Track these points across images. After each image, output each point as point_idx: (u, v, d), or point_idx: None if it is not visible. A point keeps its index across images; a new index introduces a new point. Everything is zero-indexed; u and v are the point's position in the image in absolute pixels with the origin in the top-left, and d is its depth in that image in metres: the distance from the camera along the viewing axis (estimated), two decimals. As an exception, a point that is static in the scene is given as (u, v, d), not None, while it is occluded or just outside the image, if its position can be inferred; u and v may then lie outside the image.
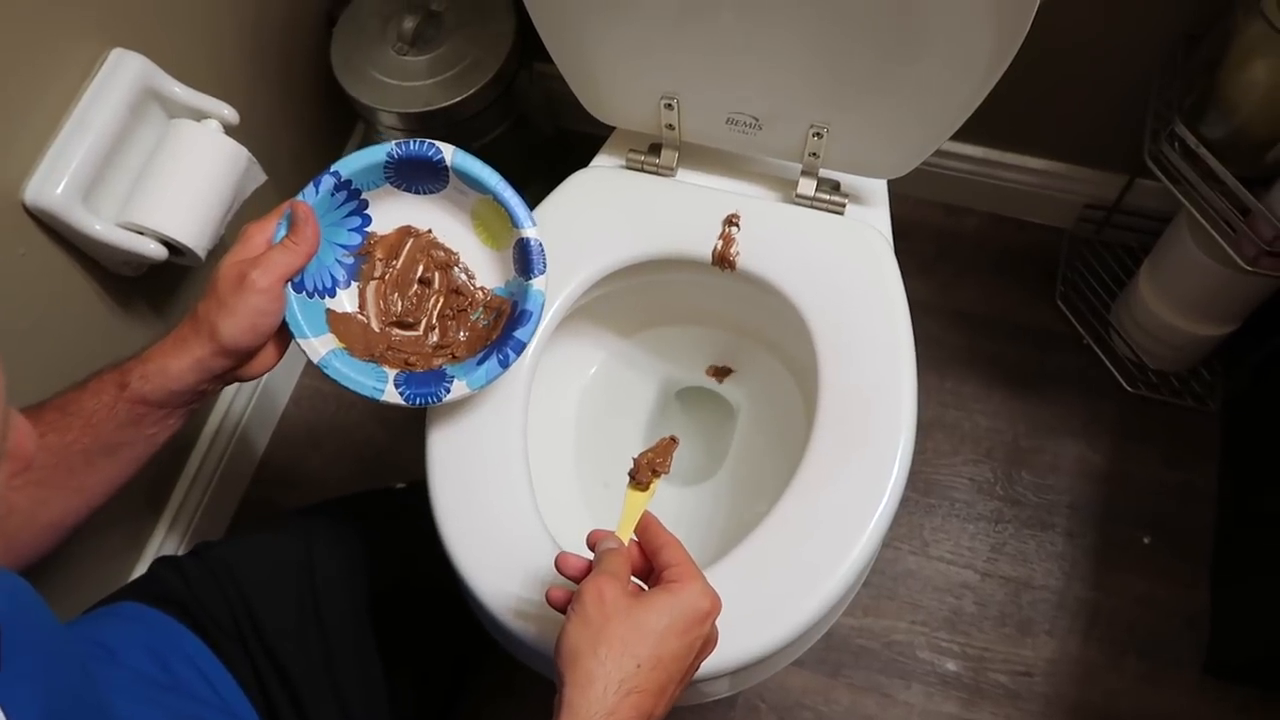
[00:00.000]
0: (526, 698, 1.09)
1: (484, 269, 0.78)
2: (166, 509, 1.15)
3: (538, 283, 0.74)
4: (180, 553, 1.09)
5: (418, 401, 0.72)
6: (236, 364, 0.67)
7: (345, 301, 0.75)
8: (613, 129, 0.94)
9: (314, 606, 0.79)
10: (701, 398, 1.07)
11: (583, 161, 0.93)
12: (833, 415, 0.77)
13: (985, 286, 1.31)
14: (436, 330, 0.77)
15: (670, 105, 0.85)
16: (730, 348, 1.02)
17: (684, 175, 0.91)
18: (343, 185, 0.73)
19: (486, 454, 0.78)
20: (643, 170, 0.90)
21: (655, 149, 0.90)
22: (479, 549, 0.74)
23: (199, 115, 0.93)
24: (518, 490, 0.76)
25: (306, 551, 0.82)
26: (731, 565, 0.71)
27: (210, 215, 0.92)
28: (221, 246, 0.93)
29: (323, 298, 0.73)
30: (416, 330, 0.77)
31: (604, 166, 0.92)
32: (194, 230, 0.90)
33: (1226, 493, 1.15)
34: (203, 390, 0.67)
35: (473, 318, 0.77)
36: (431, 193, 0.76)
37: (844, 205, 0.86)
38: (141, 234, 0.88)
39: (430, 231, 0.77)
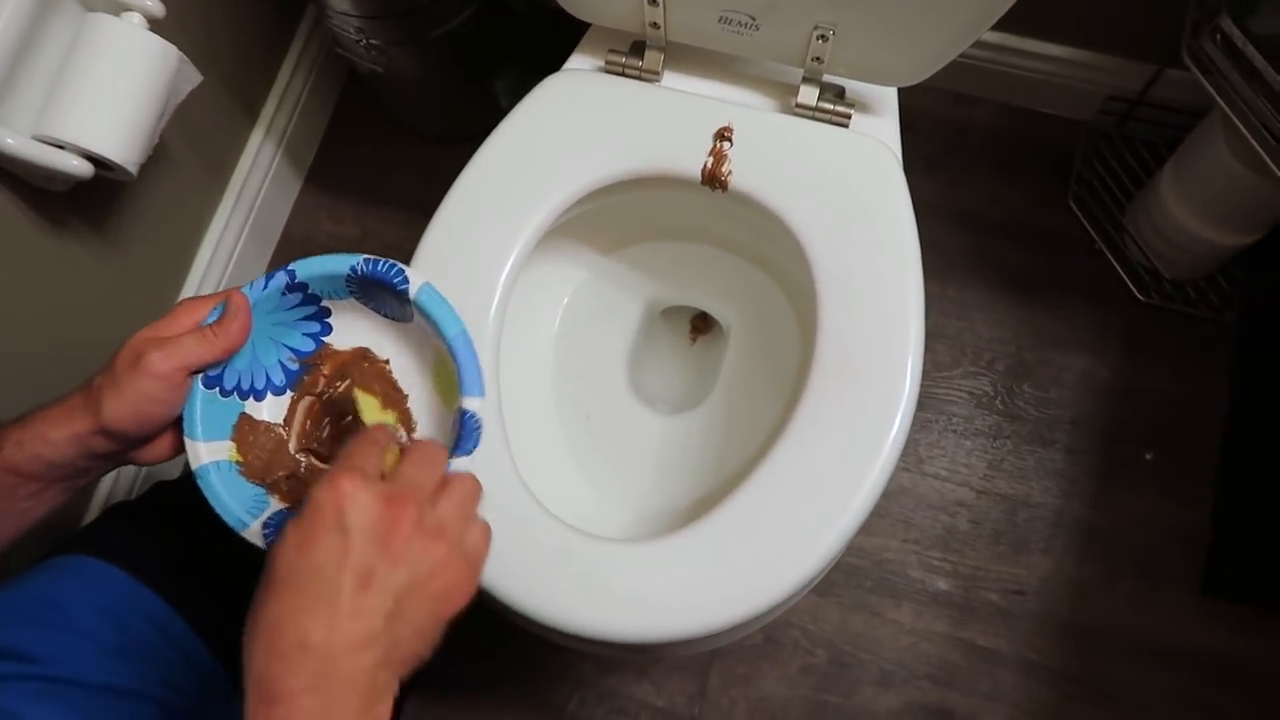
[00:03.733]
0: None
1: (426, 424, 0.65)
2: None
3: (458, 463, 0.58)
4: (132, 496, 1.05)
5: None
6: (122, 448, 0.58)
7: (269, 410, 0.64)
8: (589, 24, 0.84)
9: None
10: (690, 317, 1.01)
11: (561, 47, 0.83)
12: (831, 355, 0.71)
13: (994, 184, 1.22)
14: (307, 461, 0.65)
15: (654, 1, 0.75)
16: (720, 264, 0.94)
17: (670, 80, 0.81)
18: (296, 287, 0.63)
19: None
20: (623, 74, 0.80)
21: (638, 49, 0.80)
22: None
23: (118, 8, 0.82)
24: (491, 445, 0.70)
25: None
26: (719, 521, 0.67)
27: (138, 124, 0.82)
28: (158, 159, 0.84)
29: (245, 399, 0.63)
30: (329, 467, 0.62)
31: (579, 69, 0.82)
32: (120, 143, 0.81)
33: (1237, 406, 1.10)
34: (84, 468, 0.58)
35: None
36: (399, 320, 0.65)
37: (849, 116, 0.77)
38: (62, 148, 0.79)
39: (388, 363, 0.66)
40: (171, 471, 1.07)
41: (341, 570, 0.43)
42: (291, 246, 1.24)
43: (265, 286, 0.61)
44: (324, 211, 1.27)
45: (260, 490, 0.62)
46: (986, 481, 1.12)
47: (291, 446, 0.64)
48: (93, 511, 1.06)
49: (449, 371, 0.62)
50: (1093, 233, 1.18)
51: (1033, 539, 1.09)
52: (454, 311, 0.61)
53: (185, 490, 0.76)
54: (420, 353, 0.66)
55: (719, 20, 0.75)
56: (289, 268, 0.62)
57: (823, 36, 0.73)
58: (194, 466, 0.59)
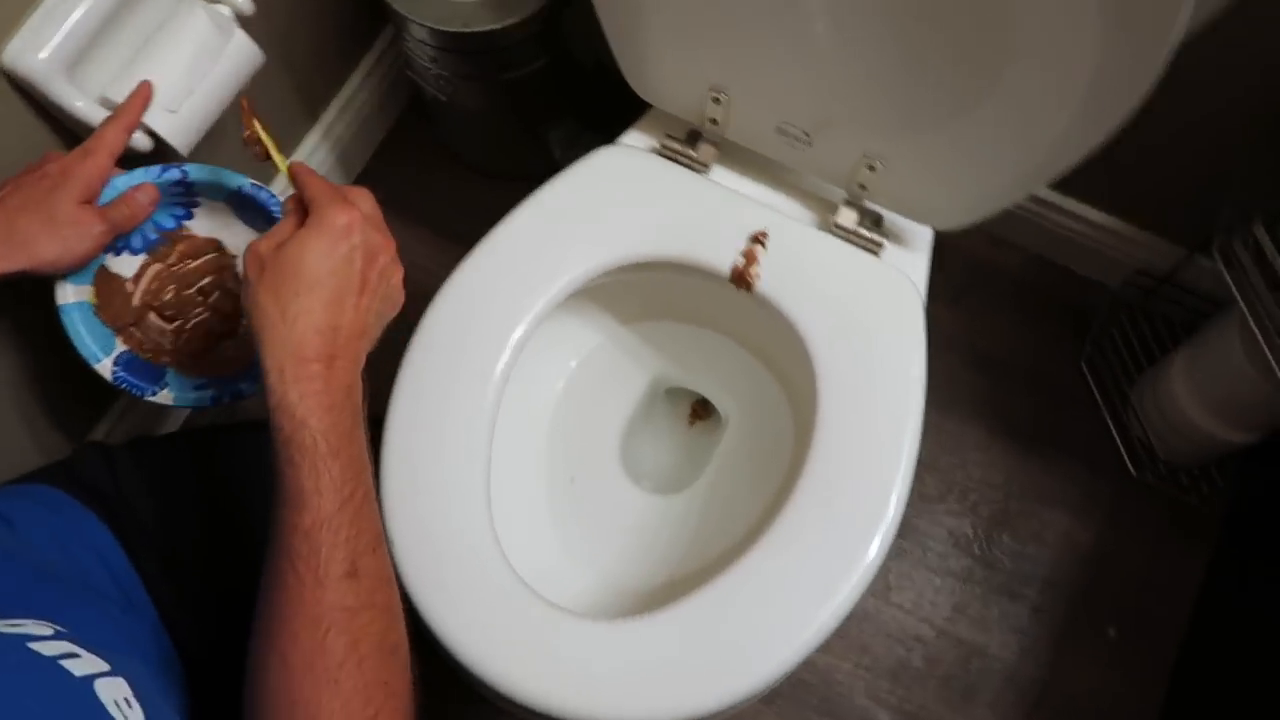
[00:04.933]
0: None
1: None
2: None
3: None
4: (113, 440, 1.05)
5: (122, 386, 0.75)
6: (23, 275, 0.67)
7: (125, 266, 0.77)
8: (652, 104, 0.86)
9: (242, 530, 0.75)
10: (692, 401, 1.02)
11: (622, 109, 0.85)
12: (822, 467, 0.72)
13: (1012, 329, 1.24)
14: (184, 337, 0.79)
15: (719, 99, 0.77)
16: (730, 355, 0.95)
17: (718, 174, 0.83)
18: (184, 184, 0.75)
19: (447, 443, 0.72)
20: (675, 160, 0.83)
21: (693, 138, 0.83)
22: (427, 559, 0.68)
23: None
24: (473, 495, 0.71)
25: (256, 469, 0.77)
26: (683, 614, 0.67)
27: (201, 113, 0.84)
28: (213, 140, 0.87)
29: (106, 252, 0.74)
30: (167, 326, 0.79)
31: (634, 147, 0.84)
32: (185, 128, 0.82)
33: (1204, 603, 1.10)
34: None
35: (221, 346, 0.80)
36: (259, 231, 0.78)
37: (882, 245, 0.79)
38: (125, 119, 0.81)
39: (237, 259, 0.79)
40: (155, 426, 1.08)
41: (351, 274, 0.55)
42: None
43: (159, 177, 0.74)
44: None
45: (110, 332, 0.75)
46: (949, 623, 1.11)
47: (135, 300, 0.77)
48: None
49: None
50: (1099, 398, 1.19)
51: (982, 690, 1.09)
52: None
53: (172, 449, 0.78)
54: None
55: (775, 129, 0.77)
56: (184, 169, 0.74)
57: (871, 167, 0.75)
58: (60, 303, 0.72)
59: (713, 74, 0.76)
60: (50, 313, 0.74)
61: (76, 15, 0.76)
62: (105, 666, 0.43)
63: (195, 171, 0.74)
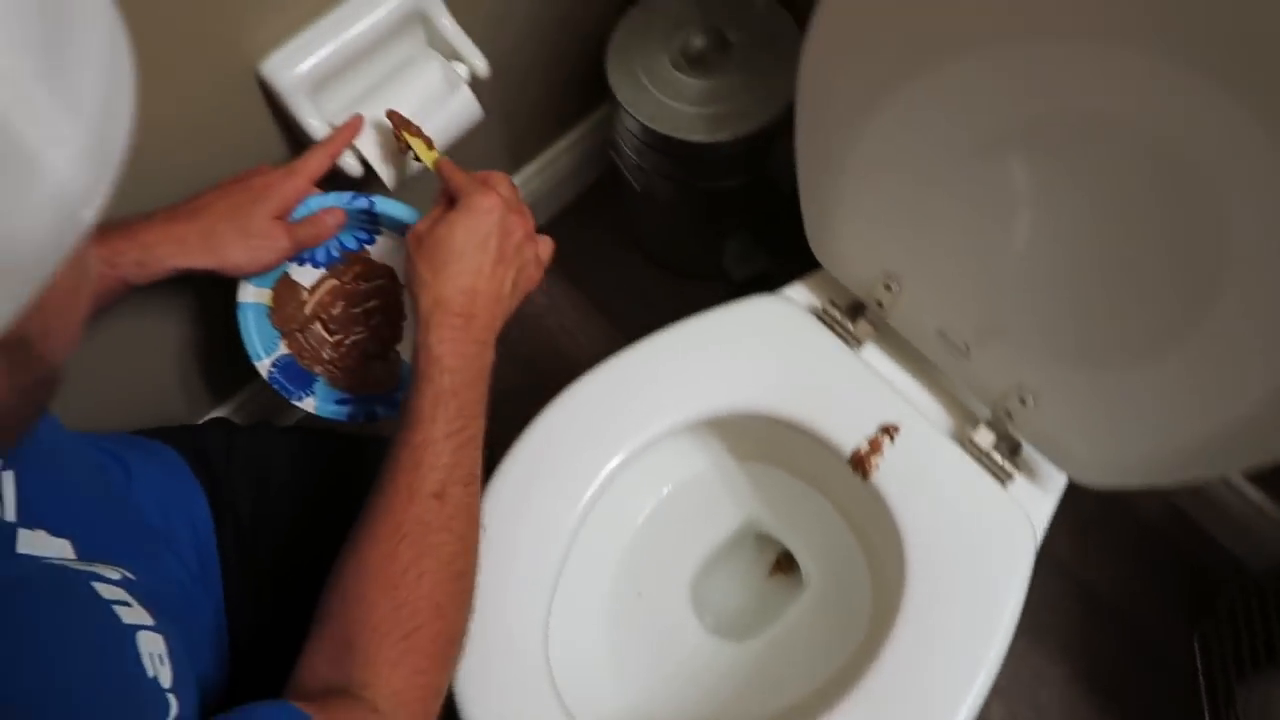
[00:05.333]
0: None
1: (408, 347, 0.84)
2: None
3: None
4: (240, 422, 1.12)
5: (275, 386, 0.81)
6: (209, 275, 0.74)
7: (305, 276, 0.83)
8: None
9: (323, 539, 0.78)
10: (779, 553, 1.00)
11: (803, 239, 0.85)
12: (892, 667, 0.71)
13: (1130, 576, 1.17)
14: (343, 351, 0.84)
15: (890, 287, 0.77)
16: (829, 524, 0.94)
17: (869, 353, 0.83)
18: (370, 214, 0.80)
19: (524, 542, 0.74)
20: (830, 327, 0.83)
21: (855, 311, 0.82)
22: (474, 645, 0.70)
23: (453, 54, 0.91)
24: (536, 599, 0.72)
25: (357, 481, 0.80)
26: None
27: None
28: (409, 183, 0.92)
29: (291, 262, 0.81)
30: (329, 337, 0.84)
31: (794, 301, 0.84)
32: (396, 167, 0.89)
33: None
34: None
35: (370, 366, 0.85)
36: None
37: (1012, 477, 0.77)
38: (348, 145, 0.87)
39: (404, 288, 0.81)
40: (277, 417, 1.14)
41: (488, 246, 0.65)
42: (483, 284, 1.32)
43: (349, 204, 0.79)
44: (525, 270, 1.34)
45: (276, 334, 0.81)
46: None
47: (307, 309, 0.83)
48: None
49: None
50: (1202, 681, 1.10)
51: None
52: None
53: (291, 442, 0.83)
54: None
55: (937, 331, 0.76)
56: (372, 199, 0.80)
57: (1023, 399, 0.73)
58: (239, 300, 0.79)
59: (891, 261, 0.76)
60: (229, 300, 0.80)
61: (331, 47, 0.83)
62: (150, 621, 0.47)
63: (381, 204, 0.80)
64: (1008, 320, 0.71)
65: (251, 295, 0.80)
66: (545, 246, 0.73)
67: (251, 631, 0.71)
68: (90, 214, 0.30)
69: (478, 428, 0.64)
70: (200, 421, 0.91)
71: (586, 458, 0.78)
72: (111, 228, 0.70)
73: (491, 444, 0.81)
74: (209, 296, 0.93)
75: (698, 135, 1.02)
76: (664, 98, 1.04)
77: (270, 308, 0.82)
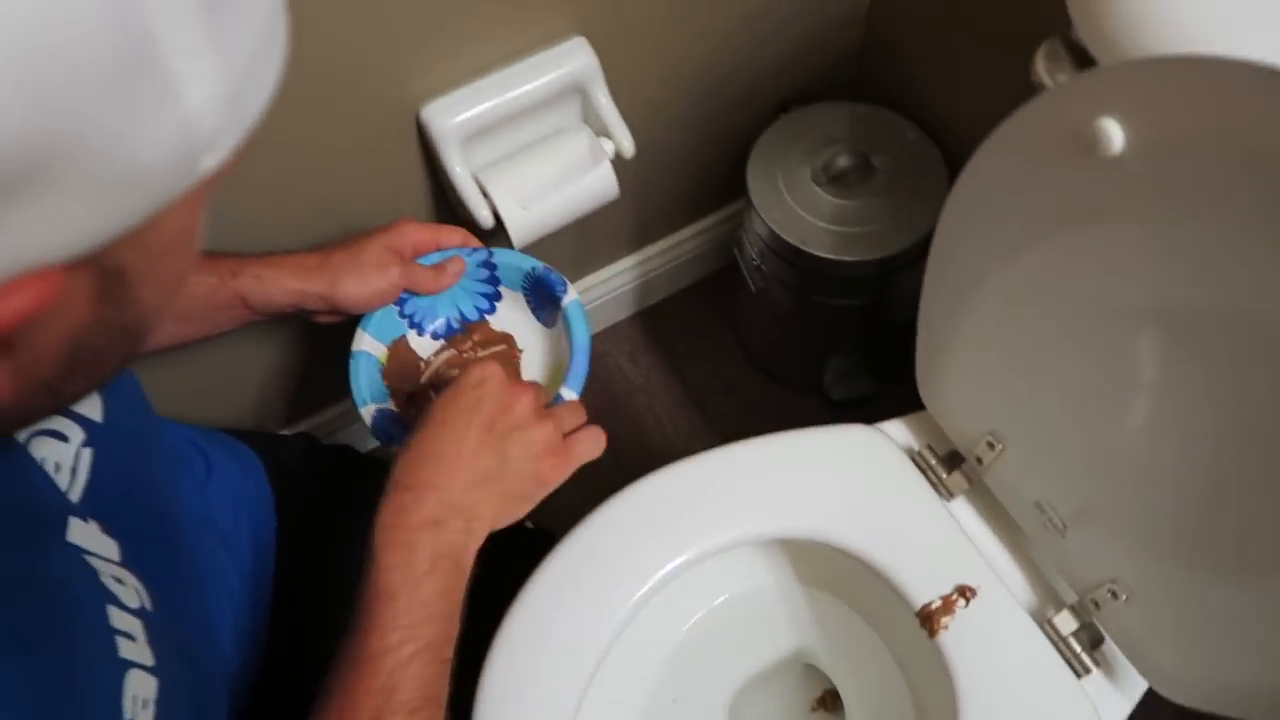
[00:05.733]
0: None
1: None
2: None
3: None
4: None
5: (377, 433, 0.77)
6: (325, 313, 0.74)
7: (423, 347, 0.83)
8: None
9: None
10: (824, 685, 0.96)
11: (911, 371, 0.83)
12: None
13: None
14: None
15: (993, 445, 0.74)
16: (884, 667, 0.89)
17: (958, 507, 0.79)
18: (489, 266, 0.81)
19: (558, 638, 0.73)
20: (923, 473, 0.80)
21: (952, 462, 0.80)
22: None
23: (603, 131, 0.93)
24: (572, 684, 0.70)
25: None
26: None
27: (547, 224, 0.92)
28: (535, 247, 0.94)
29: (411, 327, 0.82)
30: None
31: (891, 438, 0.82)
32: (527, 225, 0.91)
33: None
34: (289, 316, 0.74)
35: None
36: (545, 324, 0.83)
37: (1089, 670, 0.72)
38: (485, 196, 0.90)
39: (522, 354, 0.83)
40: (359, 443, 1.16)
41: (474, 416, 0.58)
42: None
43: (470, 256, 0.79)
44: (628, 346, 1.35)
45: (386, 390, 0.79)
46: None
47: (422, 379, 0.82)
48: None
49: (558, 382, 0.76)
50: None
51: None
52: (588, 327, 0.77)
53: (353, 468, 0.83)
54: (546, 359, 0.82)
55: (1034, 503, 0.73)
56: (490, 251, 0.80)
57: (1114, 593, 0.69)
58: (354, 348, 0.78)
59: (998, 420, 0.73)
60: (343, 345, 0.79)
61: (490, 104, 0.86)
62: (150, 662, 0.44)
63: (500, 253, 0.80)
64: (1114, 506, 0.68)
65: (367, 345, 0.79)
66: (588, 441, 0.63)
67: (291, 636, 0.71)
68: (210, 162, 0.30)
69: (436, 636, 0.54)
70: (284, 433, 0.93)
71: (650, 551, 0.76)
72: (245, 254, 0.72)
73: (551, 514, 0.80)
74: (324, 337, 0.95)
75: (824, 250, 1.02)
76: (798, 208, 1.04)
77: (383, 364, 0.80)
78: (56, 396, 0.34)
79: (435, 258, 0.78)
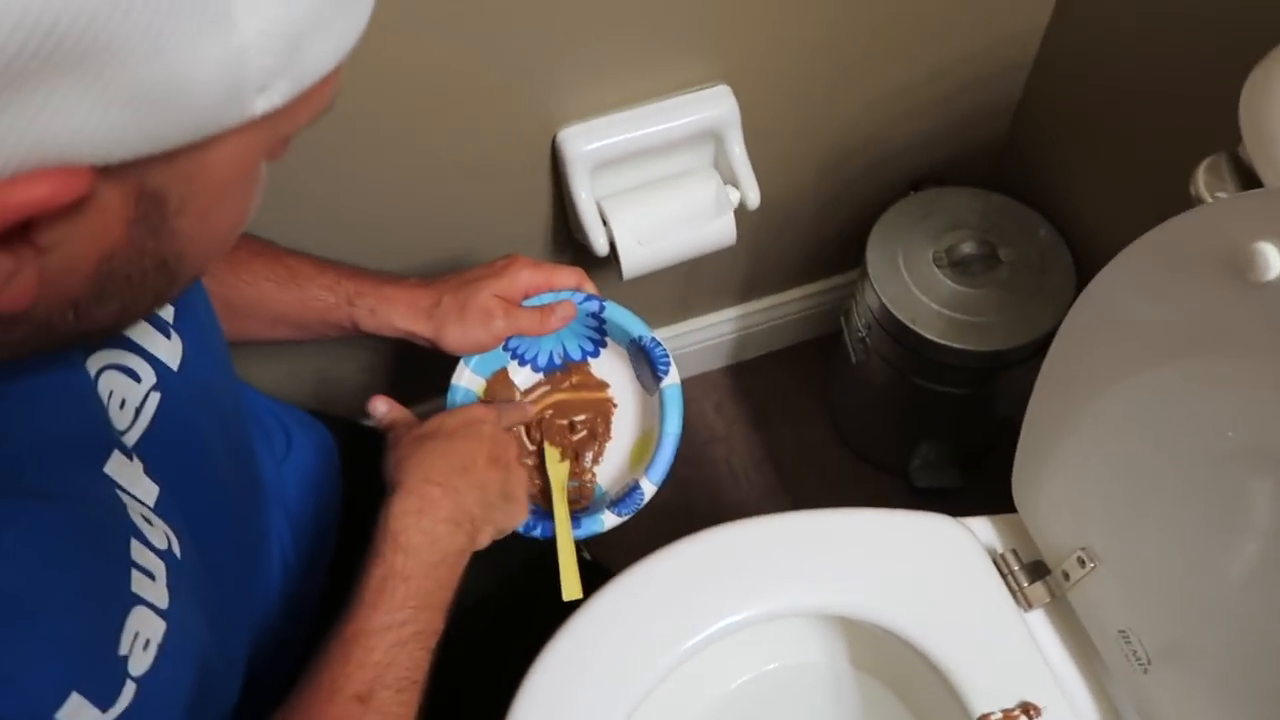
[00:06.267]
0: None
1: (603, 472, 0.80)
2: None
3: (608, 519, 0.74)
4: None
5: None
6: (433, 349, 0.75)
7: (522, 378, 0.81)
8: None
9: None
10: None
11: (1006, 467, 0.79)
12: None
13: None
14: (531, 459, 0.80)
15: (1083, 563, 0.71)
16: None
17: (1035, 620, 0.76)
18: (598, 318, 0.78)
19: (611, 665, 0.72)
20: (1004, 577, 0.76)
21: (1036, 572, 0.76)
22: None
23: (732, 179, 0.93)
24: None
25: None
26: None
27: (659, 259, 0.92)
28: (642, 285, 0.94)
29: (513, 359, 0.81)
30: (530, 443, 0.80)
31: (975, 535, 0.79)
32: (640, 260, 0.92)
33: None
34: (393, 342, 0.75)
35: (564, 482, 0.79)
36: (645, 388, 0.80)
37: (1151, 821, 0.67)
38: (605, 225, 0.91)
39: (617, 408, 0.81)
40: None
41: (484, 444, 0.65)
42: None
43: (582, 302, 0.77)
44: (716, 395, 1.34)
45: None
46: None
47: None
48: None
49: (647, 451, 0.76)
50: None
51: None
52: (681, 415, 0.76)
53: None
54: (640, 420, 0.80)
55: (1119, 631, 0.69)
56: (604, 304, 0.77)
57: (1195, 744, 0.64)
58: (453, 381, 0.77)
59: (1093, 538, 0.70)
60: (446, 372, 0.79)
61: (625, 136, 0.88)
62: (164, 604, 0.43)
63: (611, 309, 0.77)
64: (1203, 651, 0.63)
65: (466, 380, 0.78)
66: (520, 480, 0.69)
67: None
68: (263, 105, 0.30)
69: (430, 624, 0.57)
70: (367, 424, 0.94)
71: (708, 602, 0.75)
72: (364, 272, 0.74)
73: (611, 548, 0.79)
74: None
75: (933, 333, 1.00)
76: (914, 286, 1.02)
77: (480, 398, 0.79)
78: (81, 319, 0.33)
79: (548, 298, 0.76)
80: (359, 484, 0.76)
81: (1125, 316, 0.60)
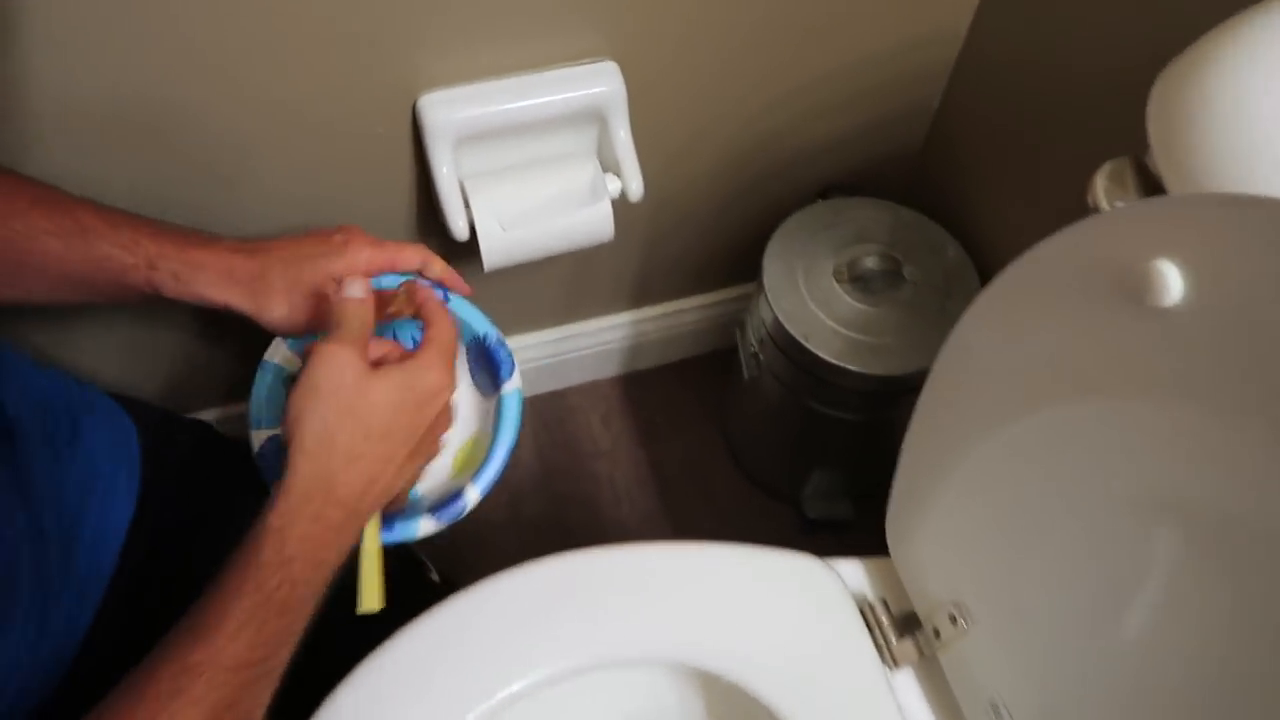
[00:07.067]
0: None
1: (426, 481, 0.69)
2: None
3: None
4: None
5: (261, 465, 0.66)
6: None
7: None
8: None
9: None
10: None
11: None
12: None
13: None
14: None
15: (955, 620, 0.62)
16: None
17: (901, 681, 0.67)
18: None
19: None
20: (870, 631, 0.68)
21: (906, 626, 0.68)
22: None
23: (614, 168, 0.84)
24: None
25: None
26: None
27: (525, 249, 0.83)
28: (528, 269, 0.84)
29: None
30: None
31: (843, 582, 0.70)
32: (503, 247, 0.82)
33: None
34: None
35: None
36: (481, 391, 0.72)
37: None
38: (466, 206, 0.81)
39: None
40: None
41: (413, 435, 0.55)
42: (554, 404, 1.23)
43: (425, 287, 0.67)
44: (604, 407, 1.24)
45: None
46: None
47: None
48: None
49: (476, 457, 0.68)
50: None
51: None
52: (519, 424, 0.68)
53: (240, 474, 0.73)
54: (469, 423, 0.71)
55: (989, 702, 0.61)
56: (447, 294, 0.68)
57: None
58: (265, 357, 0.68)
59: (968, 594, 0.62)
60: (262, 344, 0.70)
61: (495, 108, 0.78)
62: None
63: (456, 302, 0.69)
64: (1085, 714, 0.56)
65: (280, 357, 0.69)
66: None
67: (114, 646, 0.59)
68: None
69: (284, 658, 0.50)
70: (187, 416, 0.82)
71: (539, 640, 0.65)
72: (171, 229, 0.63)
73: (470, 568, 0.70)
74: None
75: (828, 352, 0.92)
76: (811, 301, 0.94)
77: (292, 375, 0.70)
78: None
79: (390, 280, 0.67)
80: (161, 491, 0.66)
81: (1007, 348, 0.52)
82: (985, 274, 0.96)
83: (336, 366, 0.52)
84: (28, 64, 0.65)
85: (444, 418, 0.59)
